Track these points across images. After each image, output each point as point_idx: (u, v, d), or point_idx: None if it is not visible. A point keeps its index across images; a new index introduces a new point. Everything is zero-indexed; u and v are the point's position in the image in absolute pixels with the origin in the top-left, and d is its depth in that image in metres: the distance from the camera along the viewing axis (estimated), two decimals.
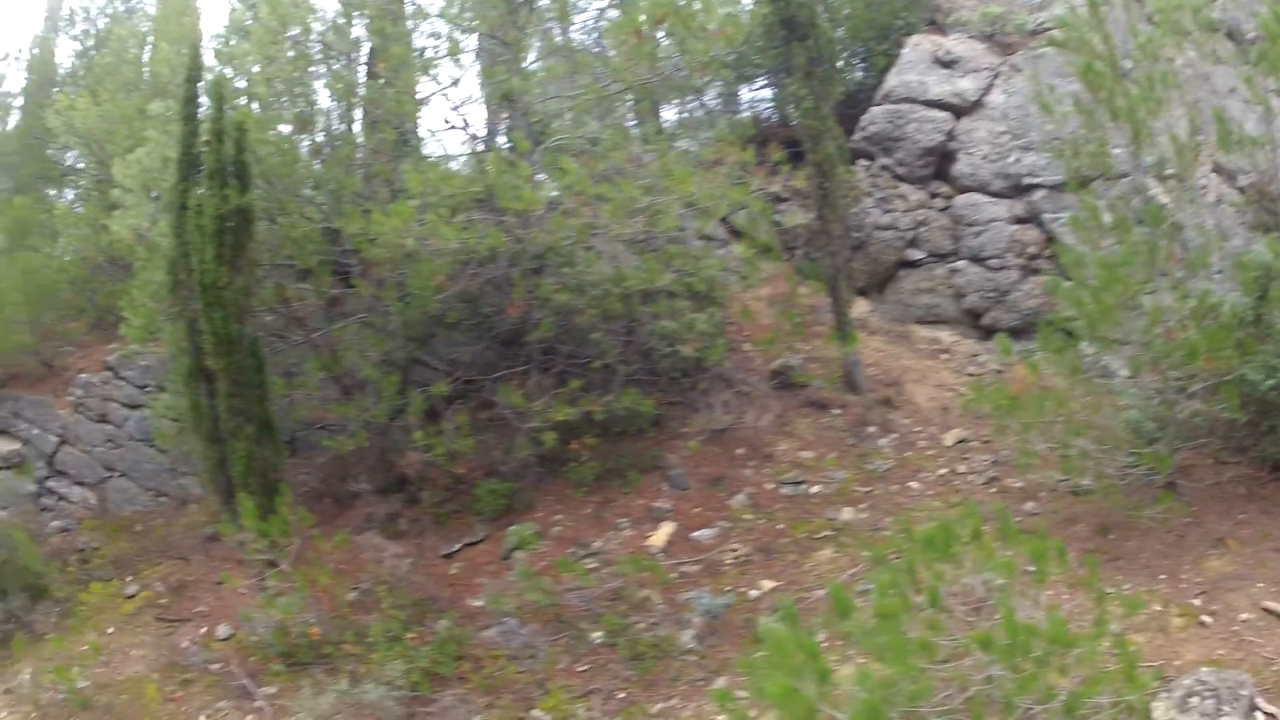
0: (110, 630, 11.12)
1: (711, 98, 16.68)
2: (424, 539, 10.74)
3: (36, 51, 23.22)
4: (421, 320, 11.15)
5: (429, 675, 8.60)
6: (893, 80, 14.42)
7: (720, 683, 7.81)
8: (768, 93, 16.70)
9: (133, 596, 11.80)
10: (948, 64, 14.26)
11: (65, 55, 23.93)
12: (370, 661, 8.75)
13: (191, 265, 10.27)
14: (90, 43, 21.80)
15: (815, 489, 10.61)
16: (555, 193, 10.57)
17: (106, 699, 9.57)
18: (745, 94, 17.03)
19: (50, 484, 14.71)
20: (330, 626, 9.32)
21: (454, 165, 12.08)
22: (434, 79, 11.75)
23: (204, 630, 10.47)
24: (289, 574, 9.41)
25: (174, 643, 10.32)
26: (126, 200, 12.68)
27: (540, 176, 10.84)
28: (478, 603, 9.63)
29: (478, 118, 12.44)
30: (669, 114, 16.78)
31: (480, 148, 11.91)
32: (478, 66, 12.79)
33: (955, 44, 14.54)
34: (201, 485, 12.45)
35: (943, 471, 10.71)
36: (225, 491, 10.42)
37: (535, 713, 8.12)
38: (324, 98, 12.66)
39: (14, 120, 23.67)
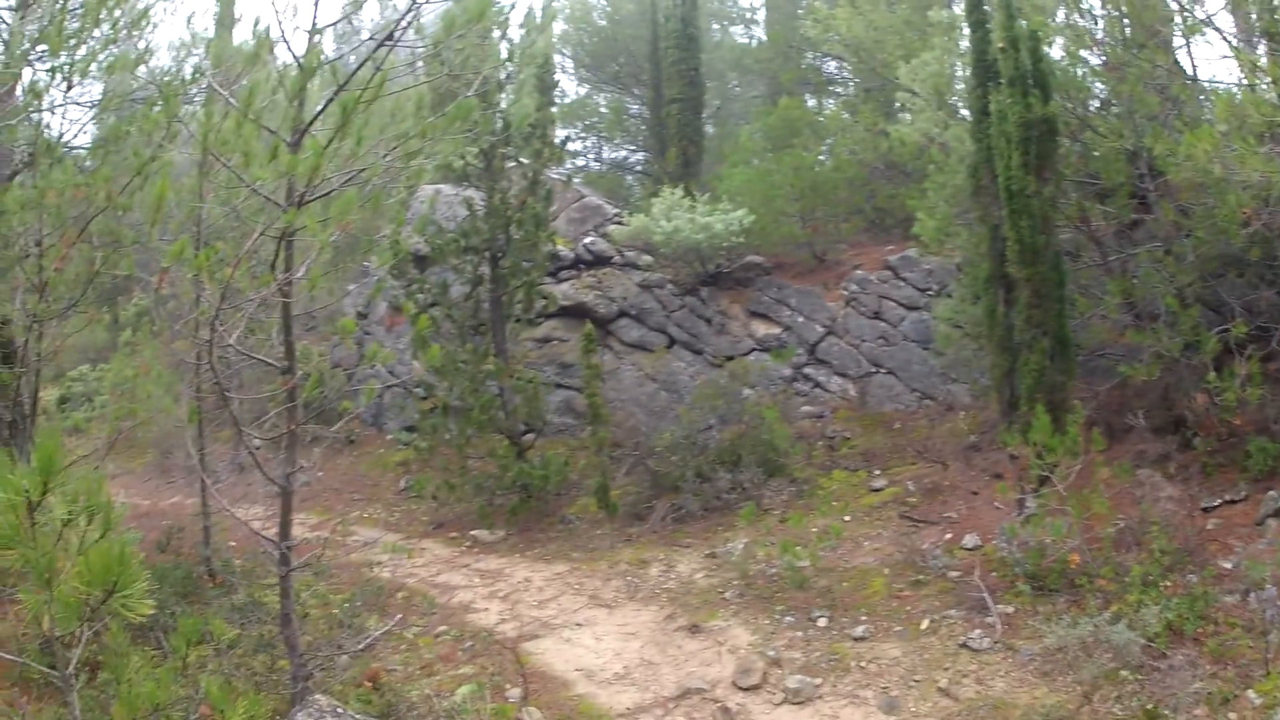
0: (847, 519, 11.62)
1: None
2: (1188, 487, 9.92)
3: None
4: (1217, 255, 10.37)
5: (1169, 629, 7.98)
6: None
7: None
8: None
9: (878, 490, 12.25)
10: None
11: None
12: (1123, 601, 8.27)
13: (994, 171, 10.18)
14: None
15: None
16: None
17: (825, 583, 9.94)
18: None
19: (807, 371, 15.63)
20: (1088, 557, 8.91)
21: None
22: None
23: (949, 536, 10.54)
24: (1063, 496, 9.04)
25: (914, 543, 10.51)
26: (915, 105, 12.83)
27: None
28: (1226, 564, 8.78)
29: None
30: None
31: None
32: None
33: None
34: (976, 393, 12.49)
35: None
36: (1008, 403, 10.31)
37: (1250, 693, 7.28)
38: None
39: (760, 32, 25.52)
